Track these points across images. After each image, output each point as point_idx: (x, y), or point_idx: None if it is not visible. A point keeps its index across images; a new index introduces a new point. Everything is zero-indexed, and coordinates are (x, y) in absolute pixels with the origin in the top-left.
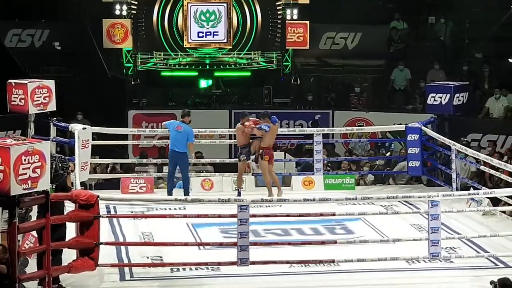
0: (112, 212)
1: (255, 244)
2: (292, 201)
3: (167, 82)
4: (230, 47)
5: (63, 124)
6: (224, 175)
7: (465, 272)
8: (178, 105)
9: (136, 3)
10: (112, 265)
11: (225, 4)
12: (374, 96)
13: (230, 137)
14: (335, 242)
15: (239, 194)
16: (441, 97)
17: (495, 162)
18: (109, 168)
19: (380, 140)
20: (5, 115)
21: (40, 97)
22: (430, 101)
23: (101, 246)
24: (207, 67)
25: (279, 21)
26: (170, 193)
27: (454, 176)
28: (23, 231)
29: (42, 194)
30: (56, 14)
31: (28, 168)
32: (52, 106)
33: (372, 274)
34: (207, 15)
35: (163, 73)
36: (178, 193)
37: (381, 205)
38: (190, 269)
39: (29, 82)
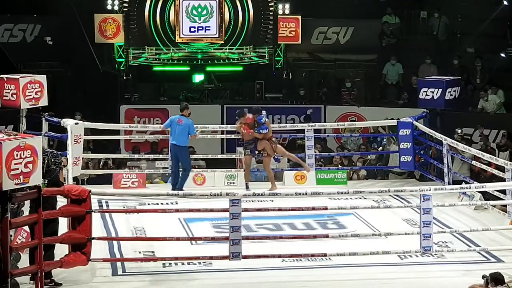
0: (104, 207)
1: (247, 238)
2: (284, 195)
3: (159, 77)
4: (222, 42)
5: (55, 119)
6: (216, 170)
7: (457, 267)
8: (170, 100)
9: None
10: (104, 260)
11: None
12: (366, 91)
13: (222, 132)
14: (327, 236)
15: (247, 188)
16: (433, 92)
17: (486, 156)
18: (101, 163)
19: (372, 135)
20: None
21: (32, 92)
22: (422, 95)
23: (93, 241)
24: (199, 62)
25: (271, 16)
26: (174, 187)
27: (446, 170)
28: (15, 226)
29: (34, 189)
30: (48, 9)
31: (20, 163)
32: (44, 101)
33: (364, 268)
34: (199, 10)
35: (155, 68)
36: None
37: (373, 200)
38: (182, 263)
39: (21, 77)
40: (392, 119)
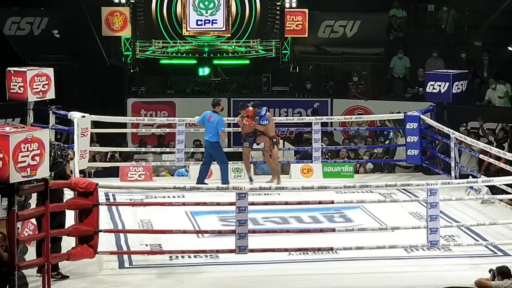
0: (111, 200)
1: (253, 232)
2: (290, 189)
3: (166, 70)
4: (229, 35)
5: (62, 112)
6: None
7: (464, 260)
8: (177, 93)
9: None
10: (111, 253)
11: None
12: (373, 84)
13: (229, 125)
14: (333, 230)
15: (251, 180)
16: (440, 85)
17: (494, 150)
18: (108, 156)
19: (379, 129)
20: (4, 103)
21: (39, 85)
22: (429, 89)
23: (100, 233)
24: (206, 55)
25: (278, 9)
26: (200, 181)
27: (453, 164)
28: (22, 218)
29: (41, 181)
30: (55, 2)
31: (27, 155)
32: (51, 94)
33: (371, 262)
34: (206, 3)
35: (162, 61)
36: (178, 180)
37: (379, 193)
38: (189, 256)
39: (28, 70)
40: (399, 112)
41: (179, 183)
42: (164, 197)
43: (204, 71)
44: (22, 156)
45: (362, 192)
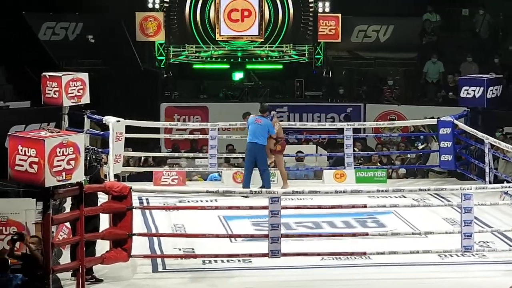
0: (145, 204)
1: (286, 236)
2: (323, 193)
3: (199, 75)
4: (262, 40)
5: (97, 116)
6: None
7: (498, 267)
8: (210, 98)
9: None
10: (145, 256)
11: None
12: (406, 89)
13: None
14: (366, 235)
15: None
16: (474, 90)
17: None
18: (141, 161)
19: (412, 134)
20: (39, 107)
21: (74, 89)
22: (463, 94)
23: (134, 237)
24: (239, 60)
25: (311, 14)
26: (247, 185)
27: (487, 169)
28: (57, 222)
29: (76, 185)
30: (90, 7)
31: (63, 160)
32: (86, 99)
33: (404, 267)
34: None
35: (195, 66)
36: (211, 185)
37: (412, 198)
38: (222, 261)
39: (63, 75)
40: (432, 117)
41: (212, 187)
42: (197, 201)
43: (237, 75)
44: (57, 161)
45: (395, 197)
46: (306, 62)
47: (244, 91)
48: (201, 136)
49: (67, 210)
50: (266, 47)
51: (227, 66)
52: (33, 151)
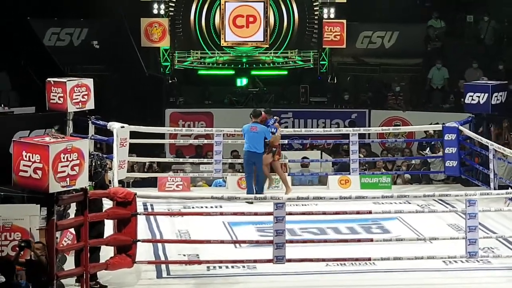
0: (149, 210)
1: (291, 242)
2: (328, 199)
3: (204, 81)
4: (267, 46)
5: (101, 122)
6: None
7: (503, 273)
8: (215, 104)
9: (173, 2)
10: (149, 262)
11: (262, 3)
12: (411, 95)
13: None
14: (371, 240)
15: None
16: (479, 97)
17: None
18: (146, 167)
19: (417, 140)
20: (44, 113)
21: (79, 95)
22: (468, 100)
23: (138, 243)
24: (244, 65)
25: (316, 20)
26: (251, 191)
27: (492, 176)
28: (61, 228)
29: (80, 191)
30: (95, 13)
31: (67, 166)
32: (90, 105)
33: (409, 273)
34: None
35: (200, 72)
36: (216, 191)
37: (417, 205)
38: (227, 267)
39: (68, 80)
40: (437, 123)
41: (217, 193)
42: (201, 207)
43: (242, 81)
44: (61, 166)
45: (400, 203)
46: (311, 68)
47: (249, 97)
48: (206, 142)
49: (72, 216)
50: (271, 53)
51: (232, 72)
52: (37, 156)
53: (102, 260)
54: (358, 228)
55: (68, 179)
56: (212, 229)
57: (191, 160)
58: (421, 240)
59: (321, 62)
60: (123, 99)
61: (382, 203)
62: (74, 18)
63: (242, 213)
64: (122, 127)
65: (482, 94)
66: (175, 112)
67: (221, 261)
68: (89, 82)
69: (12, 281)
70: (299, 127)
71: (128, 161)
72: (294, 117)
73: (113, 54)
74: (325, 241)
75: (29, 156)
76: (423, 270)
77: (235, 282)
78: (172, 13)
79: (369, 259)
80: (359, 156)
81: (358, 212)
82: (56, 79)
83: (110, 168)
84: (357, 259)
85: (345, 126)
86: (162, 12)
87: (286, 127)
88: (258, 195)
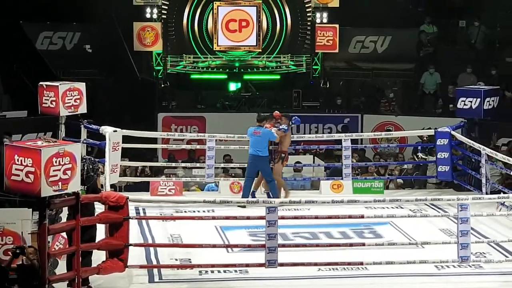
0: (142, 214)
1: (283, 246)
2: (320, 203)
3: (196, 85)
4: (260, 50)
5: (94, 126)
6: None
7: (495, 278)
8: (208, 108)
9: (166, 6)
10: (141, 267)
11: (255, 8)
12: (403, 100)
13: None
14: (363, 245)
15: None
16: (471, 101)
17: None
18: (138, 171)
19: (409, 145)
20: (36, 117)
21: (71, 99)
22: (460, 105)
23: (130, 247)
24: (237, 70)
25: (308, 25)
26: (246, 195)
27: (484, 181)
28: (53, 232)
29: (72, 195)
30: (87, 17)
31: (59, 170)
32: (83, 109)
33: (401, 278)
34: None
35: (193, 76)
36: (208, 195)
37: (409, 209)
38: (219, 271)
39: (60, 84)
40: (430, 128)
41: (209, 197)
42: (194, 211)
43: (235, 86)
44: (53, 170)
45: (392, 207)
46: (304, 73)
47: (242, 101)
48: (198, 146)
49: (64, 220)
50: (263, 57)
51: (225, 76)
52: (29, 160)
53: (94, 264)
54: (350, 232)
55: (60, 183)
56: (204, 233)
57: (183, 164)
58: (413, 244)
59: (313, 67)
60: (115, 103)
61: (374, 208)
62: (66, 22)
63: (235, 217)
64: (115, 131)
65: (474, 99)
66: (168, 116)
67: (213, 265)
68: (82, 86)
69: (5, 286)
70: (291, 132)
71: (120, 165)
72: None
73: (105, 58)
74: (317, 245)
75: (21, 160)
76: (415, 274)
77: (227, 286)
78: (164, 17)
79: (361, 263)
80: (352, 161)
81: (350, 217)
82: (49, 83)
83: (102, 172)
84: (349, 264)
85: (337, 131)
86: (154, 16)
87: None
88: (250, 199)
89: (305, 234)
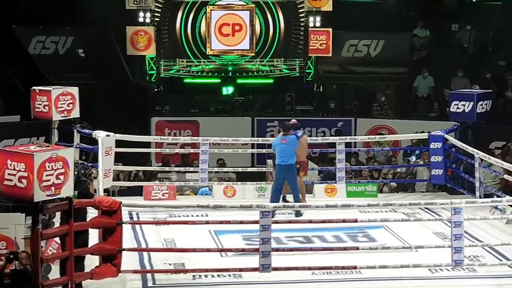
0: (135, 219)
1: (277, 250)
2: (314, 207)
3: (190, 89)
4: (253, 54)
5: (87, 130)
6: (246, 183)
7: (489, 281)
8: (201, 112)
9: (159, 10)
10: (135, 271)
11: (248, 12)
12: (396, 104)
13: (253, 146)
14: (357, 249)
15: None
16: (464, 105)
17: None
18: (132, 175)
19: (402, 149)
20: (29, 121)
21: (64, 104)
22: (453, 108)
23: (123, 252)
24: (230, 74)
25: (302, 29)
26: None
27: (477, 184)
28: (46, 237)
29: (65, 200)
30: (80, 21)
31: (52, 174)
32: (75, 113)
33: (395, 282)
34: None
35: (186, 80)
36: (202, 199)
37: (403, 213)
38: (212, 275)
39: (53, 89)
40: (423, 132)
41: (203, 201)
42: (187, 216)
43: (228, 90)
44: (46, 175)
45: (386, 211)
46: (297, 77)
47: (235, 105)
48: (192, 151)
49: (57, 225)
50: (257, 61)
51: (218, 80)
52: (22, 165)
53: (87, 269)
54: (344, 236)
55: (53, 188)
56: (198, 237)
57: (177, 168)
58: (407, 248)
59: (307, 71)
60: (108, 107)
61: (368, 212)
62: (59, 26)
63: (228, 222)
64: (108, 135)
65: (468, 102)
66: (161, 120)
67: (206, 270)
68: (74, 90)
69: None
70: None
71: (113, 170)
72: (280, 126)
73: (98, 62)
74: (311, 249)
75: (14, 165)
76: (409, 278)
77: None
78: (157, 22)
79: (355, 267)
80: (346, 165)
81: (344, 221)
82: (41, 87)
83: (95, 177)
84: (343, 268)
85: (331, 135)
86: (147, 20)
87: (272, 135)
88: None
89: (299, 238)
